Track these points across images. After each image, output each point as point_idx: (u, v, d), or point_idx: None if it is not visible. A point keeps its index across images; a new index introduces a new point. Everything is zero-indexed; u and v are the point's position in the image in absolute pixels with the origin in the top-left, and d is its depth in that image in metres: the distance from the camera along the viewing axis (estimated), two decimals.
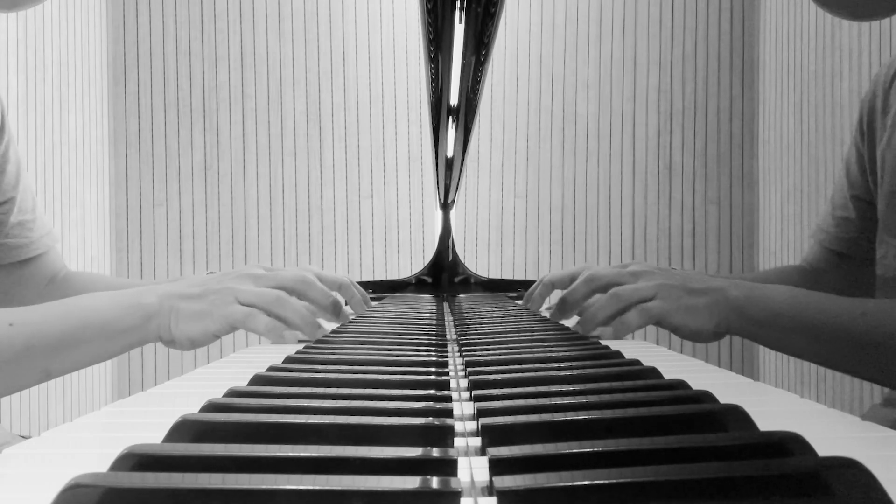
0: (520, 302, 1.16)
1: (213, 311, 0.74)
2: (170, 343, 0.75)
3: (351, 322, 0.84)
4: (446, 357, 0.55)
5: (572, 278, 0.90)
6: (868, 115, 0.98)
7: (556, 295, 0.93)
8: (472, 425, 0.37)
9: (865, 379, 0.82)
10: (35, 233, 1.01)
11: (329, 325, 0.83)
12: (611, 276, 0.82)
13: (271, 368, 0.49)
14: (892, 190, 0.90)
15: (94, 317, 0.70)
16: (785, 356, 2.04)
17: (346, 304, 0.95)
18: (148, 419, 0.40)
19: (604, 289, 0.81)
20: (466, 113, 1.13)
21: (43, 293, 1.05)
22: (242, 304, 0.75)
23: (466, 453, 0.32)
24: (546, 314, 0.94)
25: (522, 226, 2.24)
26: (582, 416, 0.33)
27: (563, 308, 0.86)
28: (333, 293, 0.84)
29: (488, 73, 1.10)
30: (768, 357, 2.17)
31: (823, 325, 0.76)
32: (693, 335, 0.79)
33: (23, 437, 0.97)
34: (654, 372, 0.47)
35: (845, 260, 1.05)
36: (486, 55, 1.02)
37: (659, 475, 0.25)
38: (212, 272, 0.93)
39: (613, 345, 0.61)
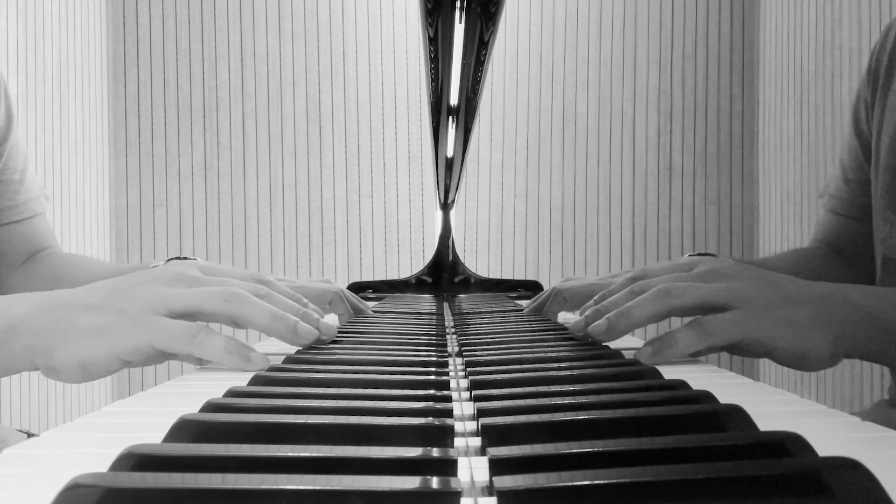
0: (520, 302, 1.16)
1: (122, 325, 0.51)
2: (50, 371, 0.52)
3: (351, 322, 0.84)
4: (446, 357, 0.55)
5: (589, 295, 0.74)
6: (876, 64, 0.91)
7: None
8: (472, 425, 0.37)
9: None
10: (21, 196, 0.92)
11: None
12: (664, 278, 0.60)
13: (271, 368, 0.49)
14: (892, 164, 0.84)
15: None
16: None
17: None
18: (148, 419, 0.40)
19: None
20: (466, 113, 1.13)
21: (18, 270, 0.97)
22: (175, 315, 0.52)
23: (466, 453, 0.32)
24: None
25: (522, 226, 2.24)
26: (582, 416, 0.33)
27: (597, 318, 0.61)
28: (309, 309, 0.62)
29: (488, 73, 1.10)
30: None
31: None
32: (798, 360, 0.55)
33: (23, 431, 0.94)
34: (654, 372, 0.47)
35: (864, 225, 0.94)
36: (486, 55, 1.02)
37: (659, 475, 0.25)
38: (155, 265, 0.78)
39: (613, 345, 0.61)
